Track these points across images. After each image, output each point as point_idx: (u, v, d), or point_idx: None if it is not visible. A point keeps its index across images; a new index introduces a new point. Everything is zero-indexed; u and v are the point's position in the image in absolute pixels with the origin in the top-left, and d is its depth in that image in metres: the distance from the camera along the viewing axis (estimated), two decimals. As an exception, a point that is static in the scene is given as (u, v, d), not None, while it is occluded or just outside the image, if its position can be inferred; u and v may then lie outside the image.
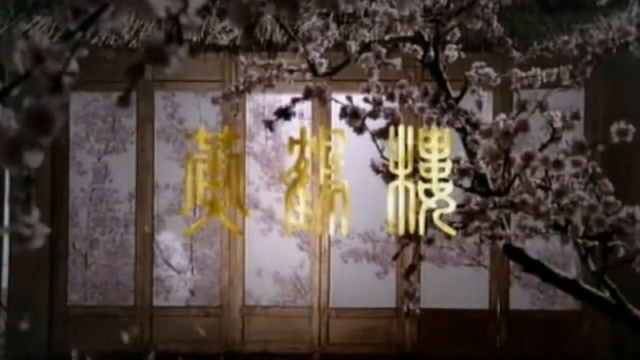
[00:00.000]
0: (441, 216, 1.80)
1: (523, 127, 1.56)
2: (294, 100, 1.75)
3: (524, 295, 5.34)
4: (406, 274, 1.67)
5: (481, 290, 5.39)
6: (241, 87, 2.48)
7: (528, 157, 1.55)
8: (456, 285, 5.32)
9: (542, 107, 1.69)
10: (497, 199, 1.69)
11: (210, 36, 4.80)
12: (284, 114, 1.65)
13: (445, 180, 1.81)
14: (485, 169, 1.98)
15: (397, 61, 2.36)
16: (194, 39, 4.79)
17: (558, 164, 1.55)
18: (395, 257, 1.67)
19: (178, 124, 5.60)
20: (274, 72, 2.38)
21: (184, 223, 5.56)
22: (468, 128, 2.11)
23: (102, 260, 5.59)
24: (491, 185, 2.03)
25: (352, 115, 1.62)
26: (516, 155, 1.64)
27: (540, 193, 1.87)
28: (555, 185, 1.62)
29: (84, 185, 5.60)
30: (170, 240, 5.60)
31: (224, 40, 3.39)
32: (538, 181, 1.94)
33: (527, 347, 5.23)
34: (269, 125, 1.63)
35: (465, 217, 1.67)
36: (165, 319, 5.53)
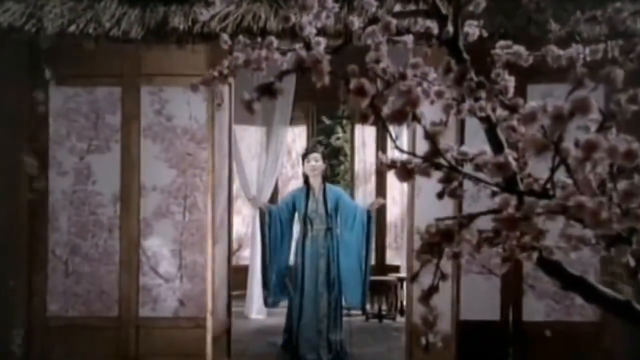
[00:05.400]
0: (469, 224, 1.42)
1: (583, 107, 1.18)
2: (282, 74, 1.38)
3: (538, 306, 4.96)
4: (425, 296, 1.29)
5: (492, 300, 5.01)
6: (225, 71, 2.10)
7: (590, 147, 1.18)
8: (464, 294, 4.95)
9: (608, 80, 1.32)
10: (545, 202, 1.31)
11: (199, 25, 4.42)
12: (268, 90, 1.27)
13: (475, 179, 1.43)
14: (514, 165, 1.60)
15: (409, 38, 1.98)
16: (181, 27, 4.43)
17: (631, 156, 1.18)
18: (413, 278, 1.29)
19: (166, 121, 5.23)
20: (263, 52, 2.00)
21: (172, 227, 5.22)
22: (499, 115, 1.73)
23: (84, 268, 5.20)
24: (520, 185, 1.67)
25: (357, 91, 1.24)
26: (570, 146, 1.26)
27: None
28: (621, 185, 1.24)
29: (65, 187, 5.21)
30: (157, 246, 5.22)
31: (207, 17, 3.02)
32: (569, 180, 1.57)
33: (542, 362, 4.87)
34: (249, 105, 1.26)
35: (505, 225, 1.29)
36: (152, 331, 5.15)
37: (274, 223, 5.96)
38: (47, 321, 5.18)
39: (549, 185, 1.58)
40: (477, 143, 1.67)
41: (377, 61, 1.38)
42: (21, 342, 5.11)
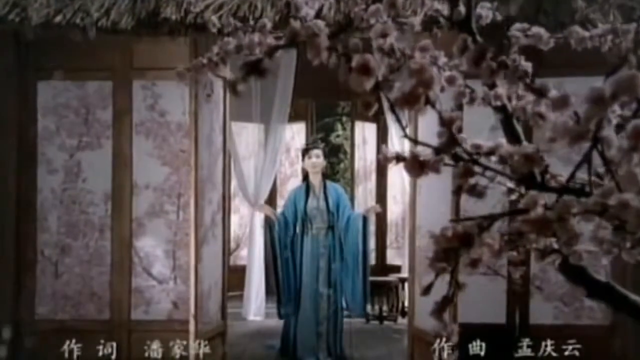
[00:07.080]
0: (490, 225, 1.23)
1: (628, 86, 0.99)
2: (272, 50, 1.19)
3: (546, 308, 4.77)
4: (439, 309, 1.10)
5: (497, 303, 4.81)
6: (215, 59, 1.90)
7: (638, 134, 0.99)
8: (468, 296, 4.73)
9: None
10: (582, 200, 1.12)
11: (192, 15, 4.23)
12: (256, 68, 1.08)
13: (498, 173, 1.24)
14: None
15: (416, 20, 1.80)
16: (173, 17, 4.23)
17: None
18: (426, 291, 1.10)
19: (159, 116, 5.04)
20: (256, 37, 1.80)
21: (166, 227, 5.04)
22: (515, 104, 1.56)
23: (75, 269, 5.02)
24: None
25: (360, 69, 1.05)
26: (612, 133, 1.07)
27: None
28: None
29: (54, 185, 5.03)
30: (150, 247, 5.04)
31: (200, 7, 2.83)
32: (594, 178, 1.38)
33: (550, 367, 4.67)
34: (233, 87, 1.08)
35: (534, 227, 1.10)
36: (144, 334, 4.95)
37: (285, 234, 5.75)
38: (35, 324, 5.00)
39: (573, 182, 1.40)
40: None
41: (384, 35, 1.19)
42: (9, 346, 4.92)
